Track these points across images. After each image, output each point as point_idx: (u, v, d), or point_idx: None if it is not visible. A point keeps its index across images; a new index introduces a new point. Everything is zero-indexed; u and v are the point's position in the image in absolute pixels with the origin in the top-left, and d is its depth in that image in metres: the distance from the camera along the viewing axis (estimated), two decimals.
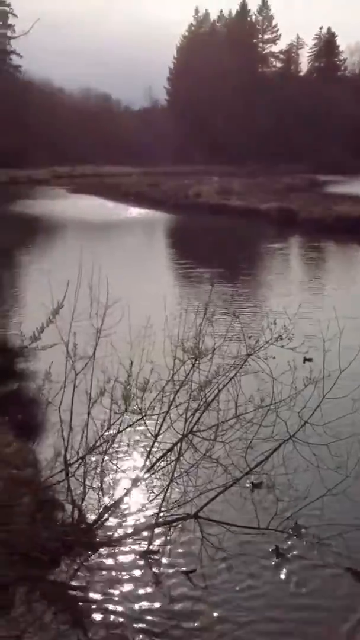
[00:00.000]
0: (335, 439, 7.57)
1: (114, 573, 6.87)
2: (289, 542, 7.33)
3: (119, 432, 7.43)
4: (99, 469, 7.29)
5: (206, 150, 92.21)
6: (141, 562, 7.05)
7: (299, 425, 7.43)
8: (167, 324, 7.78)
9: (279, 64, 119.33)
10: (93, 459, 7.39)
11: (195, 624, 6.24)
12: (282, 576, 6.91)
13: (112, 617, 6.32)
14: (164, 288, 18.79)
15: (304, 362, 8.02)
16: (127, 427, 7.50)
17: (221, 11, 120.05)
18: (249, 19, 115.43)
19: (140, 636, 6.12)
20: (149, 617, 6.34)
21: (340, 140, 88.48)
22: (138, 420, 7.44)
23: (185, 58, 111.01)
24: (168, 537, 7.18)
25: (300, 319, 8.77)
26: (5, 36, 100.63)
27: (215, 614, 6.37)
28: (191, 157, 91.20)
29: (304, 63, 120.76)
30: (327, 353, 7.64)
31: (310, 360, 9.03)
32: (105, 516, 7.06)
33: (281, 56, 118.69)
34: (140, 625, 6.26)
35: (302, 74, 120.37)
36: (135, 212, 46.56)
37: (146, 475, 7.38)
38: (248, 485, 7.99)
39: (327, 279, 24.05)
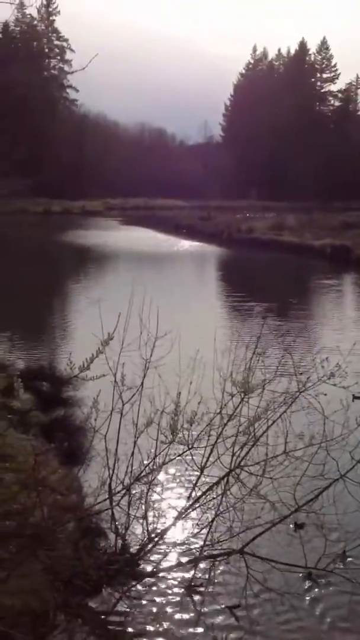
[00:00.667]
0: None
1: (155, 605, 6.85)
2: (336, 584, 7.18)
3: (164, 462, 7.49)
4: (144, 499, 7.35)
5: (260, 186, 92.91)
6: (184, 595, 7.01)
7: (351, 465, 7.35)
8: (216, 357, 7.83)
9: (337, 103, 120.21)
10: (138, 488, 7.46)
11: None
12: (328, 618, 6.77)
13: None
14: (214, 321, 18.91)
15: (353, 400, 7.97)
16: (173, 459, 7.56)
17: (279, 49, 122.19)
18: (307, 58, 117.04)
19: None
20: None
21: None
22: (185, 451, 7.49)
23: (242, 95, 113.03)
24: (212, 572, 7.14)
25: (354, 356, 8.72)
26: (62, 71, 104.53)
27: None
28: (245, 193, 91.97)
29: None
30: None
31: (359, 398, 8.95)
32: (149, 547, 7.09)
33: (339, 95, 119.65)
34: None
35: None
36: (186, 244, 47.07)
37: (191, 508, 7.39)
38: (291, 526, 7.88)
39: None
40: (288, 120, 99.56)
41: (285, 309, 23.74)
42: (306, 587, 7.16)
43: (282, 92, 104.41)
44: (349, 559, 7.43)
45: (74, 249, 42.90)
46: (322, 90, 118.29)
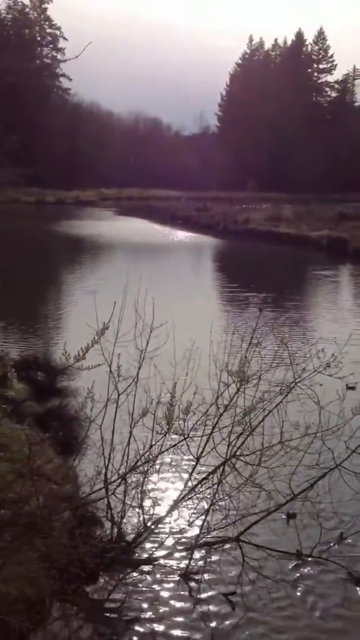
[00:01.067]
0: None
1: (152, 592, 6.97)
2: (332, 571, 7.31)
3: (160, 452, 7.59)
4: (140, 489, 7.45)
5: (257, 177, 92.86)
6: (180, 582, 7.12)
7: (346, 454, 7.46)
8: (212, 347, 7.91)
9: (334, 94, 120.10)
10: (134, 478, 7.56)
11: None
12: (323, 604, 6.90)
13: (148, 635, 6.41)
14: (210, 311, 19.00)
15: (346, 390, 8.08)
16: (169, 448, 7.66)
17: (276, 40, 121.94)
18: (304, 48, 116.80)
19: None
20: (186, 635, 6.41)
21: None
22: (180, 441, 7.60)
23: (238, 85, 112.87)
24: (208, 559, 7.26)
25: (350, 347, 8.81)
26: (55, 59, 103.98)
27: (252, 635, 6.41)
28: (241, 184, 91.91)
29: None
30: None
31: (353, 388, 9.06)
32: (145, 535, 7.20)
33: (336, 86, 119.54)
34: None
35: (357, 104, 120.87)
36: (182, 235, 47.10)
37: (187, 497, 7.49)
38: (284, 516, 7.99)
39: None
40: (285, 111, 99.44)
41: (282, 300, 23.85)
42: (301, 574, 7.29)
43: (278, 83, 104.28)
44: (344, 547, 7.54)
45: (68, 239, 42.89)
46: (319, 81, 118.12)
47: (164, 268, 32.09)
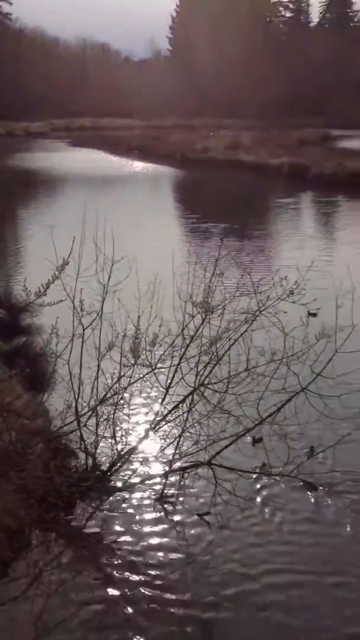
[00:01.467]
0: (347, 391, 7.91)
1: (128, 517, 7.30)
2: (301, 487, 7.73)
3: (129, 384, 7.78)
4: (111, 420, 7.66)
5: (212, 103, 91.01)
6: (155, 507, 7.47)
7: (311, 378, 7.75)
8: (175, 279, 8.01)
9: (288, 14, 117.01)
10: (105, 410, 7.76)
11: (208, 563, 6.67)
12: (293, 518, 7.34)
13: (127, 557, 6.76)
14: (172, 243, 19.01)
15: (308, 317, 8.33)
16: (137, 380, 7.85)
17: None
18: None
19: (155, 573, 6.55)
20: (163, 557, 6.77)
21: (353, 93, 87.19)
22: (148, 373, 7.78)
23: (189, 4, 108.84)
24: (182, 483, 7.59)
25: (312, 274, 8.99)
26: None
27: (227, 553, 6.79)
28: (197, 111, 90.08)
29: (315, 13, 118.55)
30: (340, 308, 7.87)
31: (314, 315, 9.29)
32: (119, 464, 7.47)
33: (291, 5, 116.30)
34: (155, 564, 6.68)
35: (312, 24, 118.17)
36: (139, 166, 46.36)
37: (159, 426, 7.75)
38: (249, 439, 8.34)
39: (339, 234, 24.24)
40: (239, 32, 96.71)
41: (243, 229, 23.94)
42: (271, 492, 7.70)
43: (230, 2, 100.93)
44: (311, 465, 7.95)
45: (20, 172, 41.86)
46: (273, 1, 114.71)
47: (122, 200, 31.70)
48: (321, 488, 7.54)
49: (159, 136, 59.38)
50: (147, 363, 7.73)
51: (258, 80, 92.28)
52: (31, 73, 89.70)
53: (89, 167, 44.52)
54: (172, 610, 6.08)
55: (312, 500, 7.57)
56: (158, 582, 6.42)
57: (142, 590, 6.30)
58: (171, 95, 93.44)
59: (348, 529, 7.16)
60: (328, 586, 6.39)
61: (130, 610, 6.07)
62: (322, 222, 27.09)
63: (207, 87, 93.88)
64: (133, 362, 7.65)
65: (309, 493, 7.66)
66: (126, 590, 6.32)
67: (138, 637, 5.80)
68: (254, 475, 7.92)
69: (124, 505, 7.47)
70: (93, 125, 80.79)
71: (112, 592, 6.30)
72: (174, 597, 6.24)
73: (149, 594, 6.27)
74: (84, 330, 7.66)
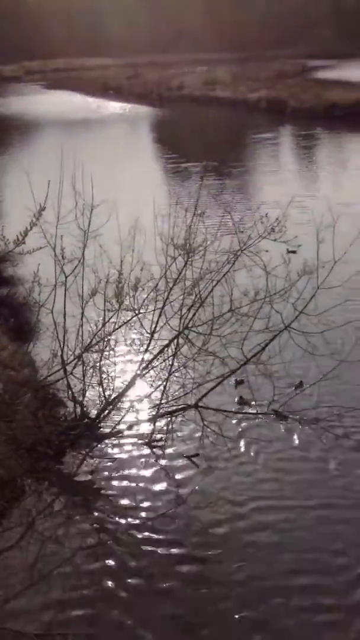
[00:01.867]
0: (330, 327, 7.85)
1: (118, 462, 7.34)
2: (286, 424, 7.78)
3: (114, 330, 7.69)
4: (98, 367, 7.61)
5: (187, 36, 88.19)
6: (145, 451, 7.51)
7: (294, 316, 7.69)
8: (156, 222, 7.83)
9: None
10: (91, 357, 7.69)
11: (199, 501, 6.77)
12: (279, 455, 7.41)
13: (119, 500, 6.83)
14: (151, 185, 18.66)
15: (287, 254, 8.22)
16: (122, 325, 7.75)
17: None
18: None
19: (147, 516, 6.63)
20: (154, 500, 6.85)
21: (332, 22, 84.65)
22: (132, 317, 7.68)
23: None
24: (170, 427, 7.59)
25: (293, 209, 8.86)
26: None
27: (217, 491, 6.89)
28: (172, 46, 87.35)
29: None
30: (321, 244, 7.73)
31: (294, 252, 9.16)
32: (107, 410, 7.45)
33: None
34: (146, 507, 6.76)
35: None
36: (116, 107, 45.20)
37: (145, 371, 7.70)
38: (232, 382, 8.34)
39: (319, 167, 23.89)
40: None
41: (223, 167, 23.48)
42: (259, 430, 7.74)
43: None
44: (297, 402, 7.97)
45: None
46: None
47: (100, 142, 30.96)
48: (306, 424, 7.56)
49: (134, 75, 57.68)
50: (131, 308, 7.62)
51: (232, 11, 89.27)
52: None
53: (64, 110, 43.32)
54: (165, 550, 6.18)
55: (298, 436, 7.61)
56: (150, 524, 6.50)
57: (135, 534, 6.38)
58: (143, 30, 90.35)
59: (332, 461, 7.24)
60: (312, 513, 6.56)
61: (124, 553, 6.15)
62: (302, 157, 26.65)
63: (180, 21, 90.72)
64: (117, 307, 7.54)
65: (294, 429, 7.70)
66: (119, 534, 6.40)
67: (133, 579, 5.90)
68: (240, 416, 7.94)
69: (113, 451, 7.50)
70: (67, 66, 78.16)
71: (106, 536, 6.38)
72: (167, 537, 6.33)
73: (142, 536, 6.35)
74: (66, 278, 7.52)
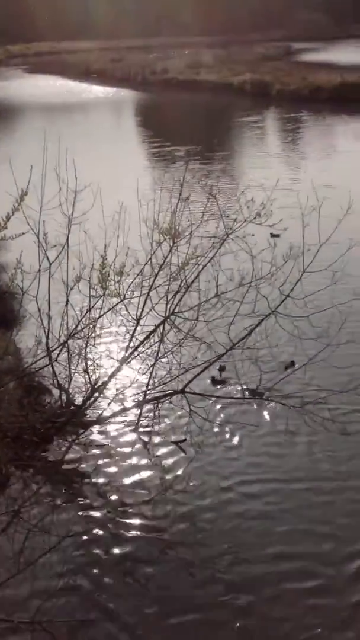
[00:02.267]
0: (316, 311, 7.84)
1: (105, 448, 7.32)
2: (273, 408, 7.78)
3: (99, 316, 7.62)
4: (83, 354, 7.54)
5: (171, 21, 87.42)
6: (132, 437, 7.49)
7: (280, 300, 7.66)
8: (141, 207, 7.75)
9: None
10: (76, 344, 7.61)
11: (186, 486, 6.78)
12: (267, 439, 7.43)
13: (105, 487, 6.81)
14: (135, 169, 18.50)
15: (271, 238, 8.18)
16: (107, 311, 7.67)
17: None
18: None
19: (134, 502, 6.62)
20: (141, 483, 6.86)
21: (317, 5, 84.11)
22: (118, 304, 7.60)
23: None
24: (157, 413, 7.58)
25: (278, 193, 8.77)
26: None
27: (204, 476, 6.91)
28: (156, 29, 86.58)
29: None
30: (306, 227, 7.70)
31: (277, 236, 9.12)
32: (94, 397, 7.38)
33: None
34: (133, 493, 6.76)
35: None
36: (99, 91, 44.81)
37: (131, 357, 7.65)
38: (217, 369, 8.33)
39: (304, 150, 23.84)
40: None
41: (207, 152, 23.37)
42: (246, 415, 7.74)
43: None
44: (283, 386, 7.98)
45: None
46: None
47: (83, 127, 30.70)
48: (293, 407, 7.55)
49: (117, 58, 57.12)
50: (116, 294, 7.54)
51: None
52: None
53: (46, 93, 42.91)
54: (152, 536, 6.18)
55: (284, 419, 7.60)
56: (137, 510, 6.50)
57: (122, 520, 6.38)
58: (127, 13, 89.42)
59: (317, 445, 7.29)
60: (296, 493, 6.68)
61: (111, 540, 6.15)
62: (287, 140, 26.57)
63: (166, 2, 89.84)
64: (102, 293, 7.46)
65: (281, 413, 7.70)
66: (106, 521, 6.38)
67: (119, 565, 5.90)
68: (228, 400, 7.94)
69: (100, 437, 7.47)
70: (50, 50, 77.28)
71: (92, 523, 6.36)
72: (154, 523, 6.33)
73: (129, 522, 6.35)
74: (50, 264, 7.41)
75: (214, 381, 8.22)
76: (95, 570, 5.83)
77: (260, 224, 7.55)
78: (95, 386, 7.40)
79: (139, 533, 6.22)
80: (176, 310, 7.57)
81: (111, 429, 7.60)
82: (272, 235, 8.46)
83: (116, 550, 6.05)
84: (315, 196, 7.95)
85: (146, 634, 5.29)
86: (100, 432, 7.53)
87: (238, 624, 5.32)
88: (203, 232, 7.83)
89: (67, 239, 7.45)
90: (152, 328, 7.67)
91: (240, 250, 7.81)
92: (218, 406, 7.83)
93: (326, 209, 7.99)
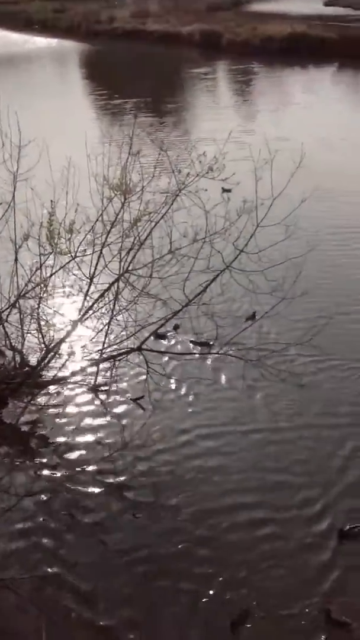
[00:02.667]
0: (271, 265, 7.92)
1: (62, 408, 7.36)
2: (230, 362, 7.90)
3: (50, 275, 7.55)
4: (35, 314, 7.49)
5: None
6: (89, 396, 7.54)
7: (235, 255, 7.71)
8: (90, 162, 7.63)
9: None
10: (27, 304, 7.56)
11: (145, 441, 6.93)
12: (224, 393, 7.59)
13: (64, 446, 6.90)
14: (83, 123, 18.15)
15: (222, 193, 8.15)
16: (58, 270, 7.60)
17: None
18: None
19: (92, 458, 6.73)
20: (100, 442, 6.94)
21: None
22: (69, 262, 7.52)
23: None
24: (114, 371, 7.64)
25: (231, 146, 8.74)
26: None
27: (162, 430, 7.07)
28: None
29: None
30: (259, 180, 7.72)
31: (229, 191, 9.10)
32: (48, 357, 7.37)
33: None
34: (92, 447, 6.86)
35: None
36: (41, 42, 43.46)
37: (85, 316, 7.63)
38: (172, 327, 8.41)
39: (256, 102, 23.75)
40: None
41: (157, 104, 23.06)
42: (202, 370, 7.87)
43: None
44: (240, 341, 8.09)
45: None
46: None
47: (26, 80, 29.87)
48: (250, 360, 7.68)
49: (60, 8, 55.30)
50: (67, 251, 7.47)
51: None
52: None
53: None
54: (114, 490, 6.32)
55: (241, 372, 7.74)
56: (97, 467, 6.60)
57: (81, 477, 6.48)
58: None
59: (273, 396, 7.52)
60: (253, 444, 6.91)
61: (70, 497, 6.24)
62: (238, 92, 26.37)
63: None
64: (51, 251, 7.38)
65: (238, 366, 7.83)
66: (65, 479, 6.46)
67: (81, 520, 6.00)
68: (186, 357, 8.03)
69: (57, 397, 7.49)
70: None
71: (51, 482, 6.44)
72: (114, 479, 6.46)
73: (88, 479, 6.45)
74: None
75: (159, 336, 8.25)
76: (55, 527, 5.93)
77: (212, 178, 7.53)
78: (50, 346, 7.38)
79: (98, 489, 6.34)
80: (130, 268, 7.55)
81: (68, 388, 7.63)
82: (224, 190, 8.43)
83: (76, 507, 6.14)
84: (267, 149, 7.94)
85: (110, 585, 5.43)
86: (56, 392, 7.55)
87: (197, 571, 5.53)
88: (155, 187, 7.78)
89: (13, 196, 7.33)
90: (106, 286, 7.65)
91: (194, 206, 7.79)
92: (176, 362, 7.92)
93: (279, 162, 8.01)
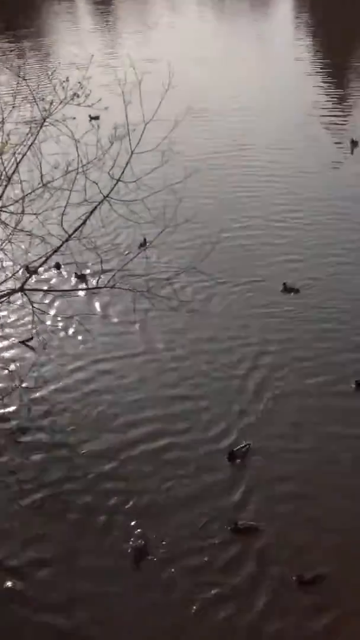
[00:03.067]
0: (150, 193, 7.81)
1: None
2: (118, 295, 7.95)
3: None
4: None
5: None
6: None
7: (112, 185, 7.53)
8: None
9: None
10: None
11: (37, 377, 7.04)
12: (115, 327, 7.63)
13: None
14: None
15: (90, 120, 7.88)
16: None
17: None
18: None
19: None
20: None
21: None
22: None
23: None
24: None
25: (95, 71, 8.43)
26: None
27: (55, 366, 7.18)
28: None
29: None
30: (129, 105, 7.50)
31: (97, 118, 8.81)
32: None
33: None
34: None
35: None
36: None
37: None
38: (54, 270, 8.37)
39: (117, 25, 23.10)
40: None
41: (11, 28, 21.86)
42: (92, 306, 7.79)
43: None
44: (126, 272, 8.05)
45: None
46: None
47: None
48: (138, 291, 7.67)
49: None
50: None
51: None
52: None
53: None
54: (8, 436, 6.33)
55: (130, 304, 7.72)
56: None
57: None
58: None
59: (162, 323, 7.74)
60: (144, 365, 7.21)
61: None
62: (99, 13, 25.47)
63: None
64: None
65: (126, 298, 7.84)
66: None
67: None
68: (72, 293, 7.92)
69: None
70: None
71: None
72: (7, 426, 6.46)
73: None
74: None
75: (41, 275, 8.09)
76: None
77: (79, 104, 7.24)
78: None
79: None
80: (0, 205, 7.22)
81: None
82: (92, 118, 8.13)
83: None
84: (134, 72, 7.70)
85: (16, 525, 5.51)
86: None
87: (98, 488, 5.77)
88: (18, 117, 7.41)
89: None
90: None
91: (62, 135, 7.48)
92: (63, 300, 7.84)
93: (147, 84, 7.83)
